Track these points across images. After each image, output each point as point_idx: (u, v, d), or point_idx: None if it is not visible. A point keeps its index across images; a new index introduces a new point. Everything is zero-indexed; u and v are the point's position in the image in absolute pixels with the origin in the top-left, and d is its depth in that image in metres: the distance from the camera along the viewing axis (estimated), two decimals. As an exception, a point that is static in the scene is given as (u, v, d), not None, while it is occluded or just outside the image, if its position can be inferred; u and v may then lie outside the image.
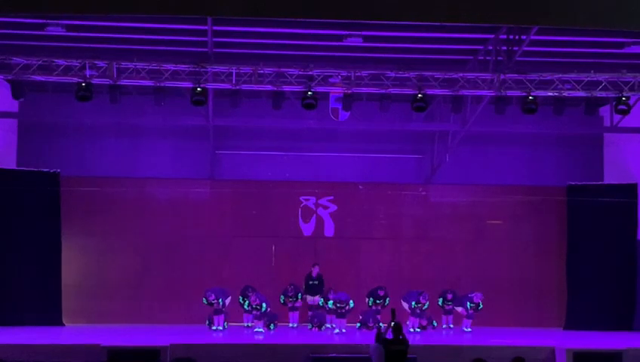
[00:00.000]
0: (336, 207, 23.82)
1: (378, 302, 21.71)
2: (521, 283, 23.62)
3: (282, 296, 22.06)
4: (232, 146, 23.75)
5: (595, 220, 23.09)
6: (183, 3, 12.98)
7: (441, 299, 22.19)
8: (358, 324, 21.68)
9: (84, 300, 22.80)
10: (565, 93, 20.03)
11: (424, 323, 21.78)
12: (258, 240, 23.50)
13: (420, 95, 19.61)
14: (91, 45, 20.19)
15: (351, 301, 21.31)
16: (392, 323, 15.40)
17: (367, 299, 21.87)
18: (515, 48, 19.28)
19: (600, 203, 22.90)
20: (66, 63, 18.97)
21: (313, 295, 22.19)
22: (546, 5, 12.95)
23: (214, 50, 20.08)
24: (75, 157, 23.21)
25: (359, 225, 23.84)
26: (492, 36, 19.76)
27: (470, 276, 23.32)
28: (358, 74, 19.56)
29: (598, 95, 20.15)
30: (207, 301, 21.46)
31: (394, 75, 19.60)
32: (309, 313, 22.10)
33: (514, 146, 24.05)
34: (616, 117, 21.81)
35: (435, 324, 22.18)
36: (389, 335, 15.35)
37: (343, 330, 21.13)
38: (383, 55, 20.76)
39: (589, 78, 19.67)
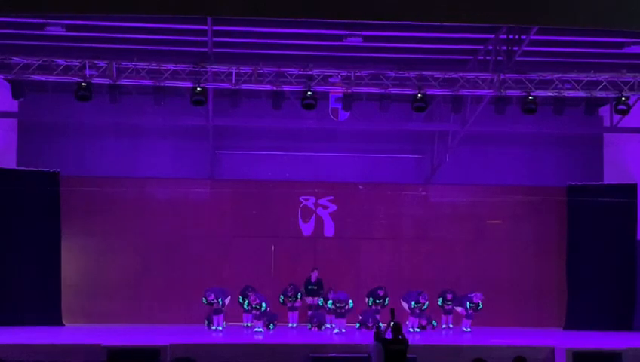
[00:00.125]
0: (336, 207, 23.82)
1: (378, 301, 21.71)
2: (521, 283, 23.63)
3: (282, 296, 22.06)
4: (231, 146, 23.74)
5: (595, 220, 23.10)
6: (183, 3, 12.98)
7: (440, 299, 22.19)
8: (358, 324, 21.68)
9: (84, 300, 22.81)
10: (565, 93, 20.03)
11: (424, 323, 21.77)
12: (258, 240, 23.50)
13: (419, 95, 19.60)
14: (91, 45, 20.19)
15: (350, 301, 21.31)
16: (392, 323, 15.41)
17: (367, 299, 21.87)
18: (515, 48, 19.27)
19: (600, 203, 22.91)
20: (66, 63, 18.97)
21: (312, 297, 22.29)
22: (546, 5, 12.95)
23: (214, 50, 20.07)
24: (75, 157, 23.21)
25: (359, 225, 23.84)
26: (492, 36, 19.76)
27: (470, 276, 23.32)
28: (358, 74, 19.56)
29: (598, 95, 20.16)
30: (206, 301, 21.46)
31: (394, 74, 19.60)
32: (309, 313, 22.10)
33: (514, 146, 24.04)
34: (616, 117, 21.82)
35: (435, 324, 22.18)
36: (389, 335, 15.36)
37: (343, 330, 21.13)
38: (382, 55, 20.76)
39: (588, 78, 19.67)
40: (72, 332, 21.11)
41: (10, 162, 22.78)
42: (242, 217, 23.63)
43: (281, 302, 22.08)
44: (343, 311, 21.26)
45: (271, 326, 21.61)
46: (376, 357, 15.25)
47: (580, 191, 23.35)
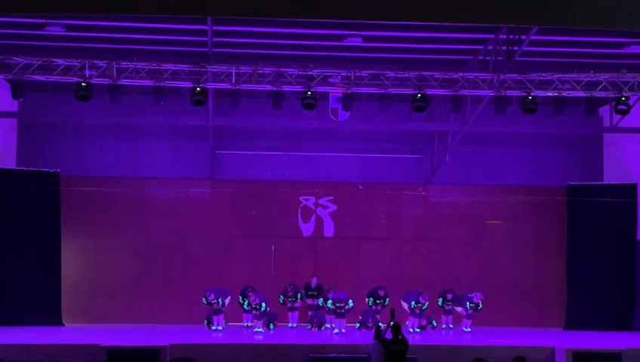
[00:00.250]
0: (336, 207, 23.83)
1: (378, 302, 21.71)
2: (521, 283, 23.63)
3: (282, 296, 22.06)
4: (231, 146, 23.73)
5: (595, 220, 23.11)
6: (183, 3, 12.97)
7: (440, 299, 22.19)
8: (358, 324, 21.68)
9: (84, 300, 22.82)
10: (565, 93, 20.03)
11: (424, 323, 21.77)
12: (258, 240, 23.51)
13: (419, 95, 19.61)
14: (91, 45, 20.19)
15: (350, 300, 21.30)
16: (391, 323, 15.40)
17: (367, 299, 21.88)
18: (515, 48, 19.27)
19: (600, 203, 22.91)
20: (66, 63, 18.97)
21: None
22: (546, 5, 12.95)
23: (214, 50, 20.07)
24: (75, 157, 23.20)
25: (359, 225, 23.85)
26: (492, 36, 19.76)
27: (470, 276, 23.32)
28: (358, 74, 19.56)
29: (598, 95, 20.16)
30: (206, 301, 21.45)
31: (394, 75, 19.60)
32: (309, 313, 22.10)
33: (514, 146, 24.04)
34: (616, 117, 21.82)
35: (435, 324, 22.18)
36: (389, 335, 15.34)
37: (343, 330, 21.13)
38: (382, 55, 20.76)
39: (588, 78, 19.67)
40: (71, 332, 21.11)
41: (10, 162, 22.78)
42: (242, 217, 23.64)
43: (281, 302, 22.09)
44: (343, 311, 21.25)
45: (271, 326, 21.61)
46: (376, 357, 15.24)
47: (580, 191, 23.36)
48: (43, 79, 19.58)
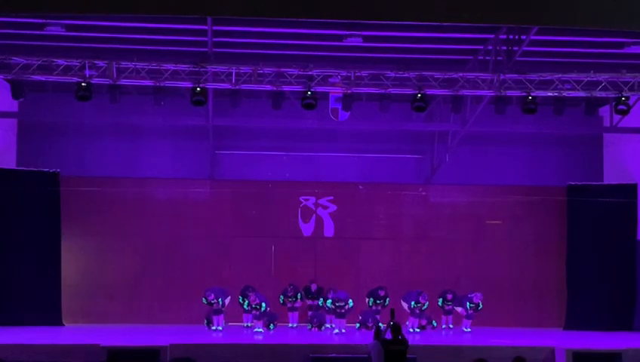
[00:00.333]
0: (336, 207, 23.83)
1: (378, 302, 21.70)
2: (521, 283, 23.63)
3: (282, 296, 22.06)
4: (231, 146, 23.73)
5: (595, 220, 23.11)
6: (183, 3, 12.99)
7: (440, 299, 22.18)
8: (358, 324, 21.68)
9: (84, 300, 22.82)
10: (565, 93, 20.03)
11: (424, 323, 21.77)
12: (258, 240, 23.50)
13: (419, 95, 19.61)
14: (91, 45, 20.19)
15: (350, 300, 21.29)
16: (391, 323, 15.40)
17: (367, 299, 21.87)
18: (515, 48, 19.27)
19: (600, 203, 22.91)
20: (66, 63, 18.97)
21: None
22: (546, 5, 12.95)
23: (214, 50, 20.07)
24: (75, 157, 23.20)
25: (359, 225, 23.84)
26: (492, 36, 19.75)
27: (470, 276, 23.32)
28: (358, 74, 19.56)
29: (598, 95, 20.16)
30: (206, 301, 21.45)
31: (394, 75, 19.60)
32: (309, 313, 22.10)
33: (514, 146, 24.03)
34: (616, 117, 21.82)
35: (435, 324, 22.18)
36: (388, 336, 15.34)
37: (343, 330, 21.12)
38: (382, 55, 20.75)
39: (588, 78, 19.67)
40: (71, 333, 21.11)
41: (10, 162, 22.78)
42: (242, 217, 23.63)
43: (281, 302, 22.08)
44: (343, 311, 21.25)
45: (271, 326, 21.60)
46: (376, 357, 15.24)
47: (580, 191, 23.36)
48: (43, 79, 19.58)
